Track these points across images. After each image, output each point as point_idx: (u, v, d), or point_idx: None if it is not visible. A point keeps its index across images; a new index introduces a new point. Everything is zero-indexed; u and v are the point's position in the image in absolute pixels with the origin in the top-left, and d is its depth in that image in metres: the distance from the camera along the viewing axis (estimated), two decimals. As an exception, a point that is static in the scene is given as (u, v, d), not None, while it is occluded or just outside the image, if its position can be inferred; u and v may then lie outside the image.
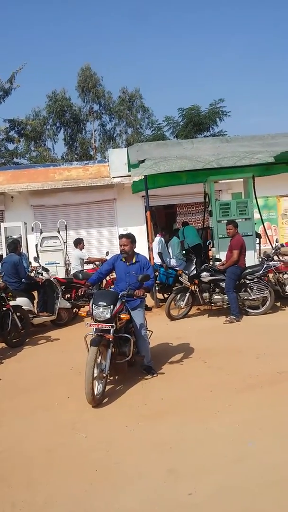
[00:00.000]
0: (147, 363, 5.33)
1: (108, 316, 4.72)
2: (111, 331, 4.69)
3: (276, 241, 9.25)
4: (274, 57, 54.16)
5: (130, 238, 5.33)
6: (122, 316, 4.90)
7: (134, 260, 5.34)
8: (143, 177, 9.51)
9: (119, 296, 4.98)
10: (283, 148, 9.22)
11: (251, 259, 8.79)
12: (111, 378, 5.16)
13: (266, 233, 11.47)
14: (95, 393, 4.47)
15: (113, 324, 4.71)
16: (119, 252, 5.42)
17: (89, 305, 5.02)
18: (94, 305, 4.83)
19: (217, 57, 52.97)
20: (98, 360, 4.61)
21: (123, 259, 5.36)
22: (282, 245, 8.74)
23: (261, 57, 53.88)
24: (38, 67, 48.86)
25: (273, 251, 8.71)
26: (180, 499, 2.94)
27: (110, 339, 4.68)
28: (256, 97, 55.76)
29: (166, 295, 9.50)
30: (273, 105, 55.26)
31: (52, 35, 50.54)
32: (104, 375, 4.64)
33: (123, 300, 5.07)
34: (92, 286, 5.41)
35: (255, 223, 9.65)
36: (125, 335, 4.99)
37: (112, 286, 5.74)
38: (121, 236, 5.40)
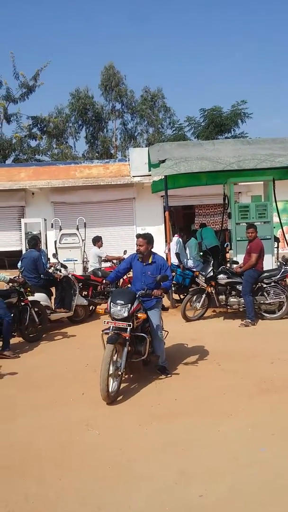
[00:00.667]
0: (161, 363, 5.36)
1: (126, 314, 4.77)
2: (128, 329, 4.74)
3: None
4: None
5: (146, 239, 5.34)
6: (139, 315, 4.94)
7: (150, 261, 5.37)
8: (163, 177, 9.53)
9: (137, 296, 5.02)
10: (305, 152, 9.15)
11: (268, 263, 8.73)
12: (126, 376, 5.21)
13: (284, 237, 11.36)
14: (110, 390, 4.52)
15: (130, 323, 4.75)
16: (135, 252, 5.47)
17: (106, 302, 5.07)
18: (112, 303, 4.88)
19: (238, 58, 52.55)
20: (114, 357, 4.67)
21: (140, 259, 5.40)
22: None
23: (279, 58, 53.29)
24: (62, 65, 49.41)
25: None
26: (190, 500, 2.96)
27: (127, 338, 4.73)
28: (278, 99, 55.16)
29: (182, 296, 9.50)
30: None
31: (77, 33, 50.93)
32: (119, 373, 4.69)
33: (140, 300, 5.11)
34: (110, 284, 5.46)
35: (274, 227, 9.57)
36: (142, 334, 5.03)
37: (129, 285, 5.79)
38: (138, 236, 5.43)
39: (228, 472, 3.26)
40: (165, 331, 5.65)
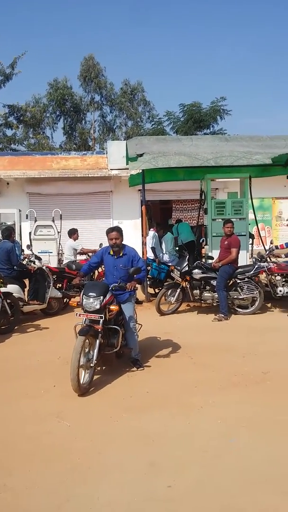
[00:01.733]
0: (134, 356, 5.37)
1: (98, 306, 4.76)
2: (100, 321, 4.74)
3: (271, 243, 9.29)
4: (275, 59, 54.14)
5: (120, 232, 5.36)
6: (111, 307, 4.95)
7: (121, 253, 5.37)
8: (140, 171, 9.51)
9: (110, 288, 5.01)
10: (281, 150, 9.29)
11: (243, 259, 8.85)
12: (98, 368, 5.20)
13: (259, 234, 11.53)
14: (82, 381, 4.51)
15: (102, 315, 4.75)
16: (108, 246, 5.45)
17: (80, 295, 5.05)
18: (84, 295, 4.87)
19: (220, 54, 52.83)
20: (86, 349, 4.65)
21: (111, 253, 5.38)
22: (276, 247, 8.78)
23: (261, 59, 53.86)
24: (41, 53, 48.50)
25: (267, 252, 8.77)
26: (158, 491, 2.98)
27: (99, 330, 4.72)
28: (255, 98, 55.78)
29: (157, 290, 9.54)
30: (270, 107, 55.31)
31: (56, 23, 50.08)
32: (92, 365, 4.68)
33: (113, 292, 5.11)
34: (84, 277, 5.44)
35: (249, 224, 9.70)
36: (114, 326, 5.04)
37: (103, 278, 5.78)
38: (111, 230, 5.37)
39: (196, 463, 3.30)
40: (139, 324, 5.66)
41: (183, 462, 3.32)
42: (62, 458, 3.42)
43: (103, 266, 5.70)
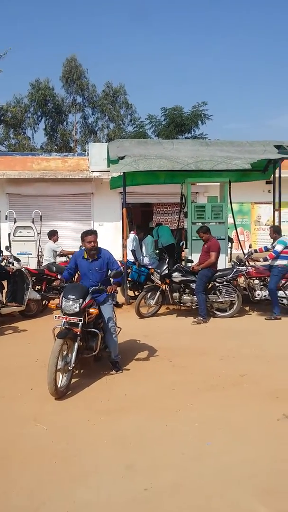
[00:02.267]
0: (114, 358, 5.36)
1: (77, 309, 4.74)
2: (79, 324, 4.72)
3: (250, 247, 9.41)
4: (256, 65, 54.97)
5: (96, 234, 5.34)
6: (91, 310, 4.93)
7: (96, 257, 5.34)
8: (122, 173, 9.53)
9: (89, 291, 5.00)
10: (259, 156, 9.44)
11: (222, 262, 8.94)
12: (76, 371, 5.17)
13: (238, 238, 11.67)
14: (59, 385, 4.49)
15: (81, 318, 4.73)
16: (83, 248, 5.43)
17: (59, 297, 5.03)
18: (64, 298, 4.85)
19: (201, 60, 53.37)
20: (64, 352, 4.63)
21: (85, 256, 5.35)
22: (255, 251, 8.89)
23: (241, 63, 54.67)
24: (23, 53, 48.07)
25: (246, 256, 8.87)
26: (135, 494, 2.99)
27: (78, 333, 4.70)
28: (238, 103, 56.50)
29: (137, 293, 9.55)
30: (253, 112, 56.12)
31: (39, 23, 49.75)
32: (70, 368, 4.66)
33: (93, 295, 5.10)
34: (64, 282, 5.39)
35: (228, 228, 9.81)
36: (94, 329, 5.02)
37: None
38: (88, 233, 5.29)
39: (173, 466, 3.32)
40: (118, 327, 5.66)
41: (160, 465, 3.34)
42: (39, 461, 3.40)
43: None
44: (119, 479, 3.16)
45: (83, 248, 5.44)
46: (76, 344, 4.71)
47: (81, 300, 4.79)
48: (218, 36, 53.15)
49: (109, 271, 5.35)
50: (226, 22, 52.78)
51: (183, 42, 53.50)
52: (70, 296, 4.80)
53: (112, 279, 5.34)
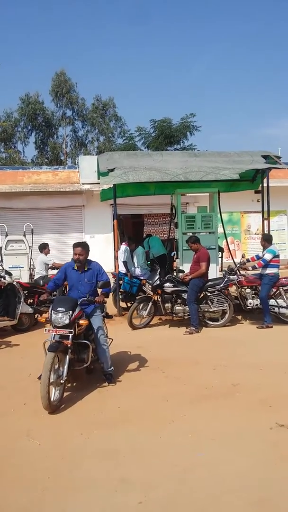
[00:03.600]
0: (107, 370, 5.33)
1: (67, 321, 4.75)
2: (70, 336, 4.72)
3: (243, 256, 9.47)
4: (246, 77, 55.78)
5: (85, 248, 5.38)
6: (81, 322, 4.94)
7: (86, 268, 5.39)
8: (112, 185, 9.59)
9: (78, 302, 5.01)
10: (248, 166, 9.55)
11: (213, 272, 8.98)
12: (69, 385, 5.16)
13: (228, 247, 11.74)
14: (52, 399, 4.47)
15: (71, 330, 4.73)
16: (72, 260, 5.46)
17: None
18: (53, 310, 4.85)
19: (189, 72, 54.05)
20: (56, 366, 4.62)
21: (76, 268, 5.39)
22: (248, 260, 8.92)
23: (228, 74, 55.45)
24: (12, 68, 48.38)
25: (238, 265, 8.92)
26: (130, 507, 2.98)
27: (69, 345, 4.70)
28: (226, 115, 57.20)
29: (129, 304, 9.56)
30: (240, 123, 56.83)
31: (29, 37, 50.19)
32: (62, 382, 4.64)
33: (81, 307, 5.11)
34: (52, 293, 5.39)
35: (219, 237, 9.88)
36: (84, 341, 5.02)
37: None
38: (76, 245, 5.38)
39: (167, 478, 3.31)
40: (110, 338, 5.66)
41: (154, 477, 3.33)
42: (32, 477, 3.37)
43: None
44: (113, 492, 3.15)
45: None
46: (67, 357, 4.70)
47: (70, 312, 4.80)
48: (204, 47, 53.94)
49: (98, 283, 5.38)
50: (211, 34, 53.62)
51: (171, 55, 54.15)
52: (59, 309, 4.81)
53: (100, 290, 5.37)
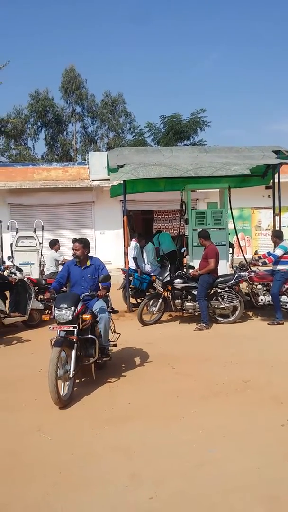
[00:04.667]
0: (104, 344, 5.34)
1: (70, 317, 4.78)
2: (75, 331, 4.75)
3: (255, 253, 9.39)
4: (256, 73, 55.28)
5: (82, 243, 5.50)
6: (84, 316, 4.97)
7: (88, 264, 5.50)
8: (122, 181, 9.57)
9: (80, 298, 5.04)
10: (259, 161, 9.47)
11: (223, 268, 8.94)
12: (78, 380, 5.18)
13: (239, 243, 11.67)
14: (61, 394, 4.49)
15: (75, 325, 4.76)
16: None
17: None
18: (56, 307, 4.89)
19: (199, 67, 53.70)
20: (63, 361, 4.65)
21: (77, 264, 5.46)
22: (260, 257, 8.81)
23: (238, 70, 54.98)
24: (22, 65, 48.50)
25: (250, 261, 8.84)
26: (140, 503, 2.98)
27: (74, 340, 4.73)
28: (235, 110, 56.77)
29: (139, 300, 9.56)
30: (250, 119, 56.37)
31: (38, 34, 50.24)
32: (70, 377, 4.66)
33: (84, 301, 5.16)
34: (55, 293, 5.37)
35: (229, 233, 9.82)
36: (91, 336, 5.05)
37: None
38: (74, 241, 5.59)
39: (178, 474, 3.31)
40: (117, 333, 5.75)
41: (164, 473, 3.33)
42: (44, 472, 3.39)
43: None
44: (124, 488, 3.15)
45: None
46: (74, 351, 4.73)
47: (73, 307, 4.83)
48: (214, 44, 53.55)
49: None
50: (222, 31, 53.19)
51: (180, 50, 53.85)
52: (61, 305, 4.84)
53: (101, 284, 5.43)
